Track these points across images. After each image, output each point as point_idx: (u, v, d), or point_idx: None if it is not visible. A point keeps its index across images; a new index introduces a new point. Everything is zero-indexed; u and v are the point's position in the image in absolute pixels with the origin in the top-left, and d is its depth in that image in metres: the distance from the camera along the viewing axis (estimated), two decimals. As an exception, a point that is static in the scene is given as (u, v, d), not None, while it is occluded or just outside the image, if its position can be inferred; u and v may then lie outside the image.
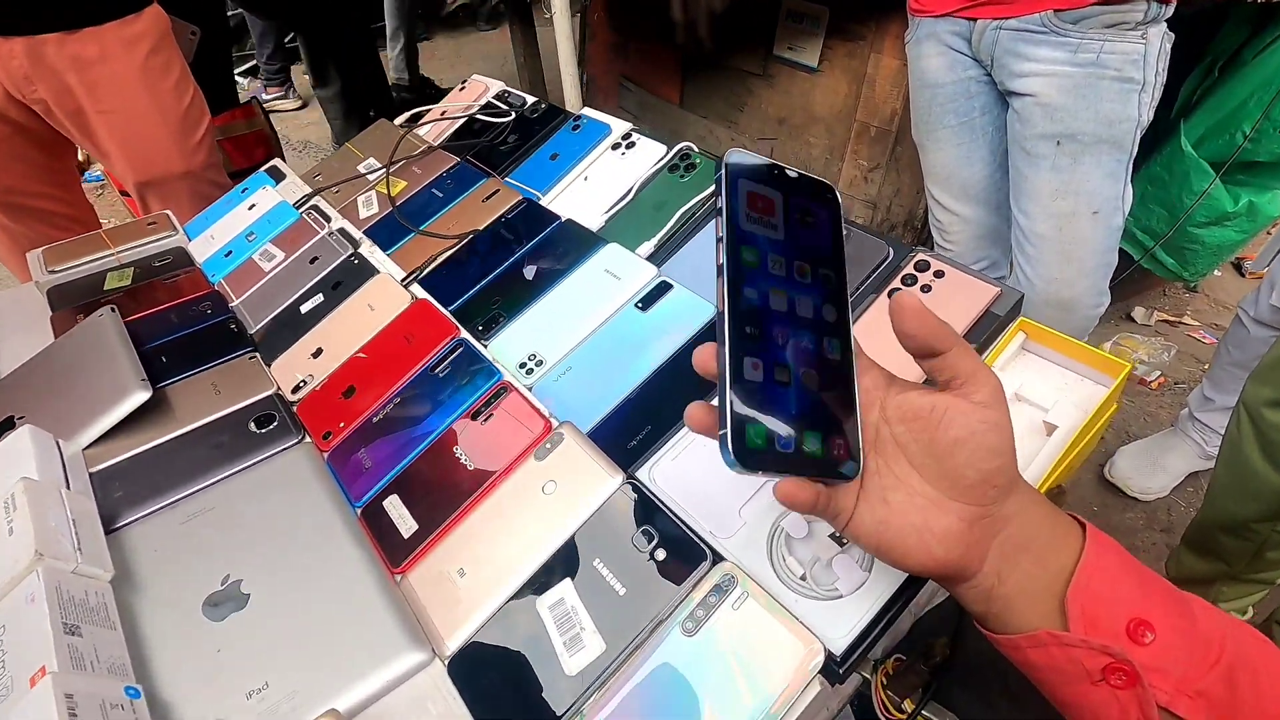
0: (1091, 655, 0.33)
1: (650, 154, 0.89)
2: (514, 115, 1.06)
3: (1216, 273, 2.31)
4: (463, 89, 1.19)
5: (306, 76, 3.50)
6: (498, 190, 0.90)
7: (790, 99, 1.72)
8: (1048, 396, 0.60)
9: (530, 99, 1.10)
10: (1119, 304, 2.25)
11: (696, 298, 0.68)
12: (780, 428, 0.33)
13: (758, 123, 1.84)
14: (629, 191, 0.86)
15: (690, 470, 0.53)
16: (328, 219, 0.94)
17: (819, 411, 0.35)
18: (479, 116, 1.09)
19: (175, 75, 1.09)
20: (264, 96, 3.22)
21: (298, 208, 0.97)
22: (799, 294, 0.36)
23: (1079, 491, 1.59)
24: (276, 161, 1.09)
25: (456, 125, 1.10)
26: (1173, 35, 1.02)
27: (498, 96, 1.13)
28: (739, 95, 1.84)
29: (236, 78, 3.58)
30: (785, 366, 0.34)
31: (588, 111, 1.00)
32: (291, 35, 3.63)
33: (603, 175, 0.90)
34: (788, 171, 0.38)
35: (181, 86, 1.10)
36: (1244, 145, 1.72)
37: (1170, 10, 0.99)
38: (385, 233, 0.91)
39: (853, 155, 1.65)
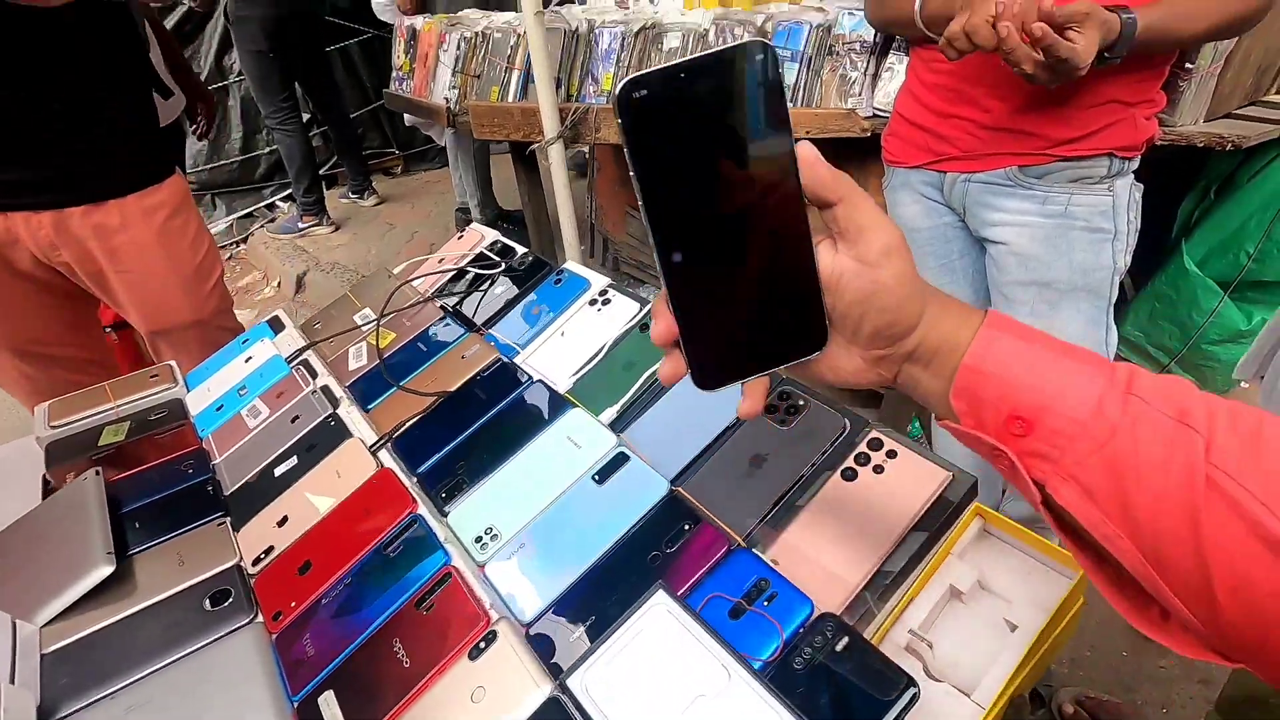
0: (977, 442, 0.36)
1: (624, 311, 0.92)
2: (502, 267, 1.12)
3: (1244, 385, 2.25)
4: (461, 237, 1.26)
5: (344, 200, 3.77)
6: (477, 347, 0.93)
7: (784, 229, 1.78)
8: (1010, 588, 0.58)
9: (520, 250, 1.16)
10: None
11: (651, 472, 0.69)
12: (739, 347, 0.36)
13: (755, 250, 1.89)
14: (600, 350, 0.88)
15: (624, 676, 0.52)
16: (315, 375, 0.97)
17: (777, 309, 0.36)
18: (470, 268, 1.14)
19: (191, 233, 1.17)
20: (300, 225, 3.43)
21: (290, 362, 1.01)
22: (738, 200, 0.34)
23: (1110, 632, 1.49)
24: (279, 312, 1.15)
25: (454, 268, 1.16)
26: (1141, 185, 1.04)
27: (490, 246, 1.19)
28: (736, 225, 1.91)
29: (277, 202, 3.86)
30: (735, 283, 0.35)
31: (570, 266, 1.04)
32: (327, 164, 3.94)
33: (579, 330, 0.93)
34: (693, 66, 0.32)
35: (197, 242, 1.18)
36: (1249, 265, 1.72)
37: (1135, 164, 1.02)
38: (369, 386, 0.94)
39: (847, 283, 1.68)
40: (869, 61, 1.32)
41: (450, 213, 3.39)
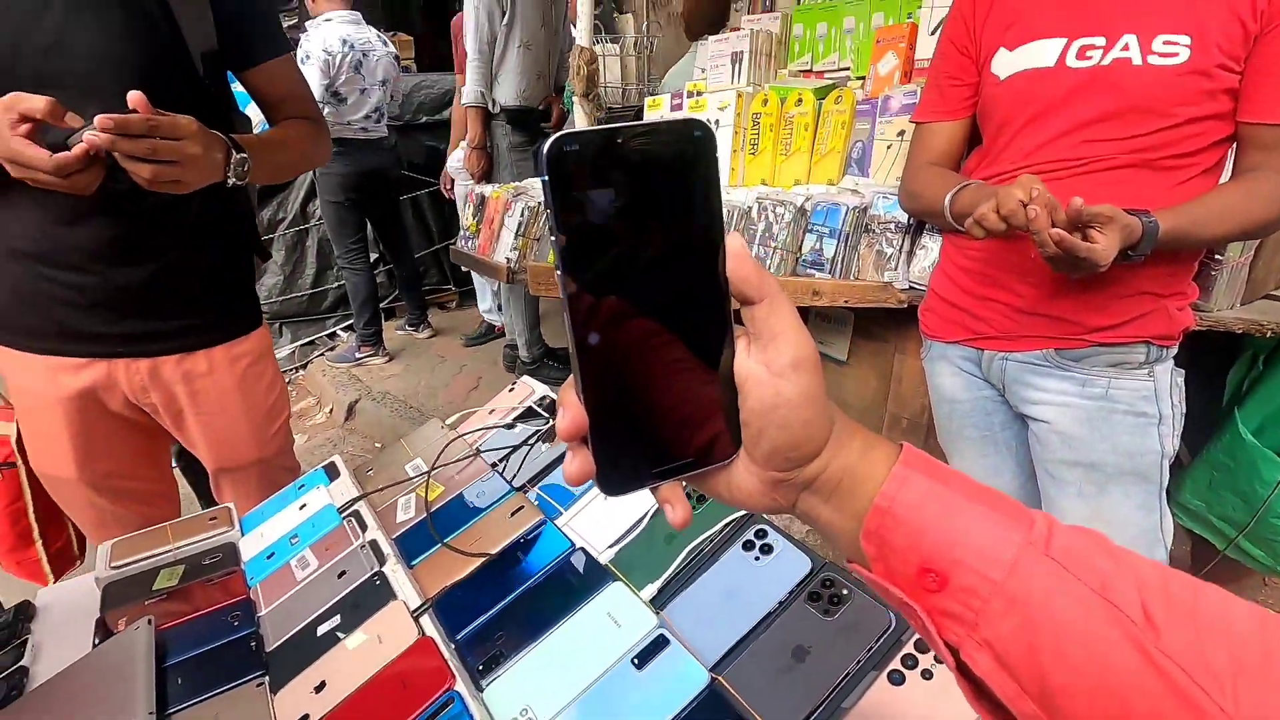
0: (886, 594, 0.34)
1: (666, 480, 0.94)
2: (548, 424, 1.16)
3: (1321, 562, 2.11)
4: (512, 390, 1.32)
5: (400, 333, 3.99)
6: (522, 507, 0.96)
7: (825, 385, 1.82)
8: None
9: (568, 407, 1.20)
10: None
11: (692, 660, 0.68)
12: (650, 448, 0.33)
13: (794, 404, 1.93)
14: (643, 518, 0.89)
15: None
16: (364, 527, 1.00)
17: (693, 409, 0.34)
18: (519, 422, 1.19)
19: (268, 378, 1.26)
20: (358, 355, 3.63)
21: (342, 512, 1.04)
22: (660, 283, 0.32)
23: None
24: (336, 459, 1.20)
25: (501, 427, 1.21)
26: (1183, 370, 1.05)
27: (540, 401, 1.24)
28: (776, 378, 1.96)
29: (339, 331, 4.10)
30: (650, 374, 0.32)
31: (616, 427, 1.08)
32: (388, 298, 4.21)
33: (615, 501, 0.95)
34: (628, 132, 0.30)
35: (271, 387, 1.27)
36: (1309, 437, 1.67)
37: (1174, 351, 1.04)
38: (416, 541, 0.96)
39: (887, 443, 1.68)
40: (904, 239, 1.41)
41: (499, 349, 3.55)
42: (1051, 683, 0.30)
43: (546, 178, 0.29)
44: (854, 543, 0.35)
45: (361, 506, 1.07)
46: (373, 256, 3.87)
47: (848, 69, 1.77)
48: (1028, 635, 0.30)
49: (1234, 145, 0.96)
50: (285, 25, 3.20)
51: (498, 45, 2.62)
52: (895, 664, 0.63)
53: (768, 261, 1.51)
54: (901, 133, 1.49)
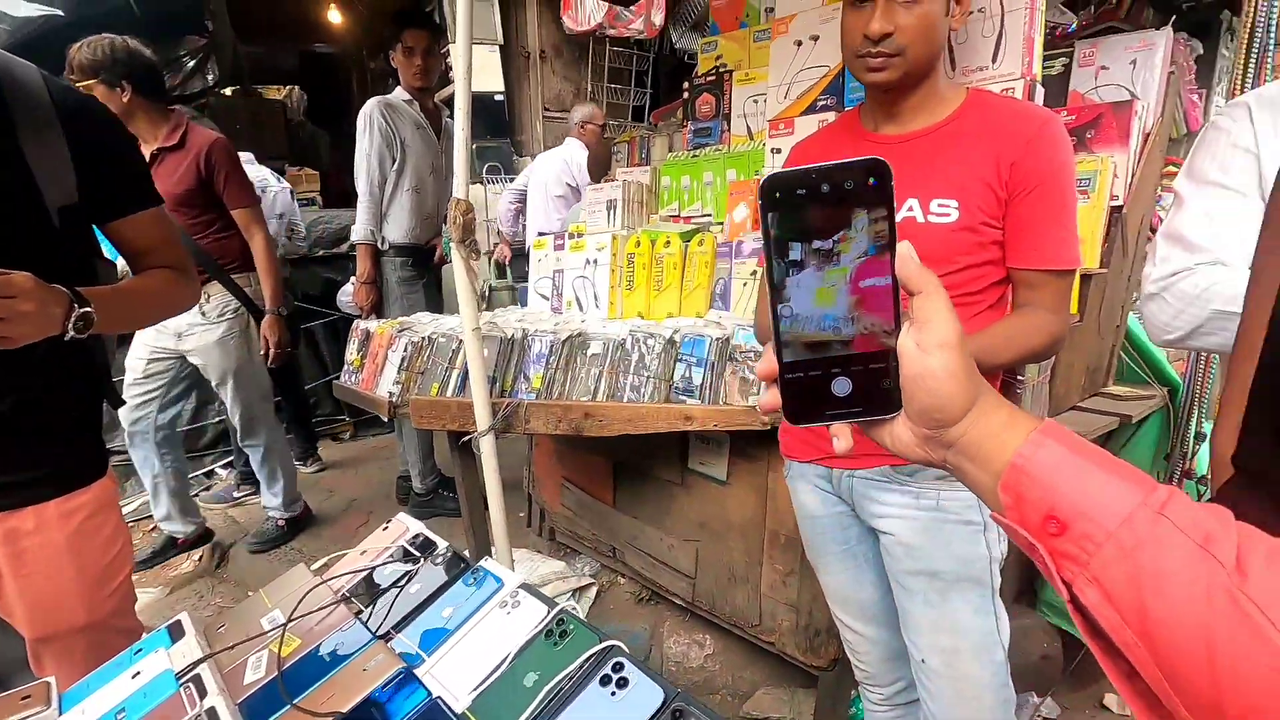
0: (1015, 534, 0.41)
1: (531, 616, 0.94)
2: (420, 564, 1.14)
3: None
4: (386, 529, 1.29)
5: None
6: (381, 657, 0.92)
7: (707, 506, 1.88)
8: None
9: (441, 544, 1.19)
10: (1089, 691, 2.15)
11: (538, 811, 0.66)
12: (825, 397, 0.45)
13: (682, 525, 1.97)
14: (504, 660, 0.88)
15: None
16: (204, 693, 0.93)
17: (863, 371, 0.44)
18: (389, 563, 1.16)
19: (107, 532, 1.16)
20: (235, 495, 3.40)
21: (180, 678, 0.96)
22: (842, 276, 0.43)
23: None
24: (182, 617, 1.12)
25: (371, 566, 1.17)
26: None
27: (413, 539, 1.22)
28: (664, 500, 2.00)
29: (217, 469, 3.84)
30: (832, 345, 0.44)
31: (486, 563, 1.08)
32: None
33: (487, 636, 0.94)
34: (821, 177, 0.42)
35: (110, 542, 1.17)
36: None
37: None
38: (264, 703, 0.90)
39: (769, 559, 1.73)
40: (763, 366, 1.53)
41: (393, 479, 3.42)
42: (1150, 616, 0.35)
43: (760, 202, 0.43)
44: (993, 493, 0.43)
45: (204, 669, 0.99)
46: (260, 389, 3.73)
47: (710, 215, 1.98)
48: (1133, 575, 0.36)
49: (1009, 286, 1.15)
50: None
51: (388, 187, 2.75)
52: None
53: (642, 389, 1.60)
54: (754, 272, 1.67)
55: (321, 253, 4.28)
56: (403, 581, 1.12)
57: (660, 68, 5.30)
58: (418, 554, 1.18)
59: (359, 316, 2.77)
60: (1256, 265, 0.66)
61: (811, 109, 1.71)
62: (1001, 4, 1.39)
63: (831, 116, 1.66)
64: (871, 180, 0.42)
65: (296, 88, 7.18)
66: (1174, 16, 2.39)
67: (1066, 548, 0.39)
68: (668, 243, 1.84)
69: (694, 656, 2.10)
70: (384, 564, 1.17)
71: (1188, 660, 0.34)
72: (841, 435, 0.48)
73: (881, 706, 1.35)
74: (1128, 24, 2.77)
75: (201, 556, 3.09)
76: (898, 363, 0.44)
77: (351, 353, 1.94)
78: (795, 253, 0.43)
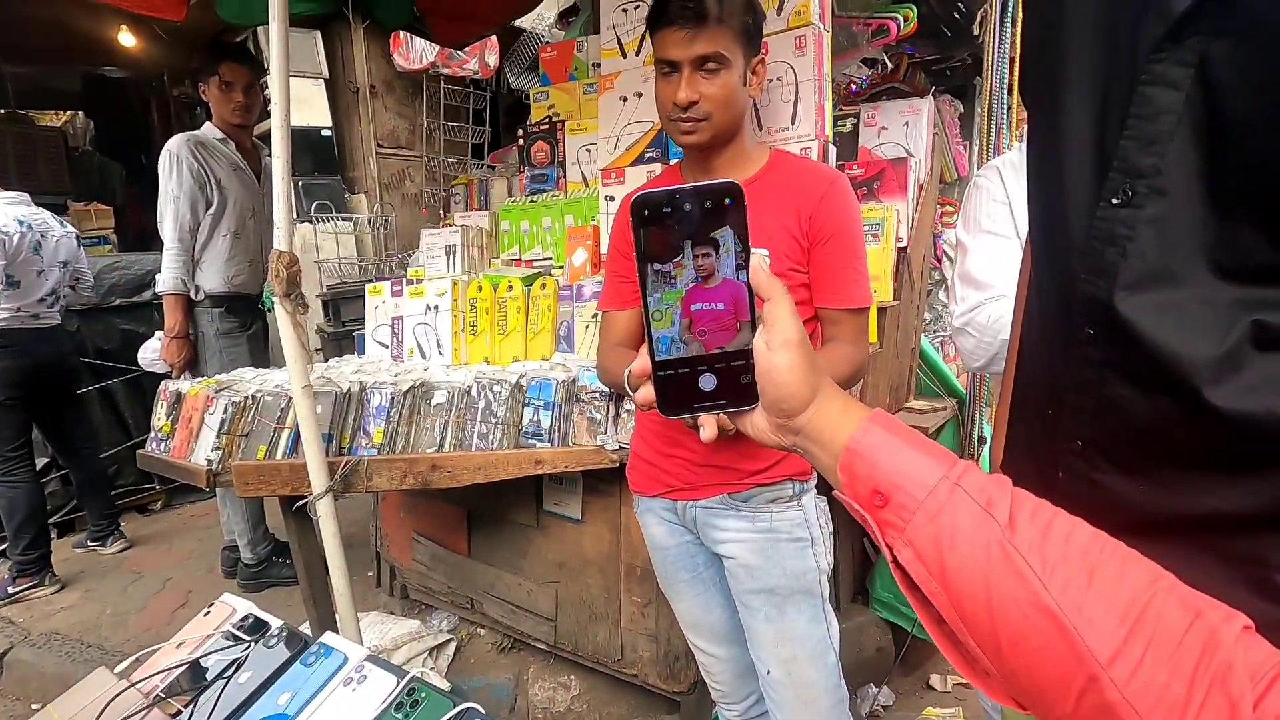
0: (850, 508, 0.48)
1: (378, 690, 0.90)
2: (250, 648, 1.05)
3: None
4: (208, 613, 1.17)
5: (78, 550, 3.24)
6: (205, 762, 0.84)
7: (565, 546, 1.89)
8: None
9: (275, 624, 1.10)
10: (917, 675, 2.39)
11: None
12: (695, 391, 0.51)
13: (540, 567, 1.96)
14: (348, 742, 0.84)
15: None
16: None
17: (725, 369, 0.50)
18: (212, 652, 1.05)
19: None
20: (10, 590, 2.87)
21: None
22: (702, 289, 0.49)
23: None
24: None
25: (193, 658, 1.06)
26: (824, 496, 1.31)
27: (241, 622, 1.12)
28: (520, 544, 1.98)
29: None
30: (697, 346, 0.50)
31: (328, 638, 1.01)
32: (62, 510, 3.46)
33: (330, 718, 0.88)
34: (684, 197, 0.48)
35: None
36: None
37: (814, 482, 1.29)
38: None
39: (627, 593, 1.78)
40: (609, 405, 1.59)
41: (216, 551, 3.07)
42: (948, 567, 0.43)
43: (631, 219, 0.49)
44: (833, 472, 0.49)
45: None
46: (41, 462, 3.20)
47: (550, 259, 2.03)
48: (935, 535, 0.43)
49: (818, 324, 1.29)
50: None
51: (201, 233, 2.51)
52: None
53: (490, 436, 1.59)
54: (595, 315, 1.73)
55: (119, 301, 3.80)
56: (230, 671, 1.02)
57: (500, 105, 5.32)
58: (247, 638, 1.09)
59: (167, 376, 2.49)
60: (1017, 298, 0.79)
61: (640, 160, 1.82)
62: (795, 75, 1.57)
63: (658, 168, 1.77)
64: (728, 200, 0.48)
65: (80, 114, 6.36)
66: (934, 86, 2.82)
67: (889, 517, 0.45)
68: (510, 286, 1.85)
69: (560, 700, 2.08)
70: (206, 654, 1.07)
71: (972, 600, 0.42)
72: (707, 425, 0.55)
73: (738, 721, 1.43)
74: (905, 84, 3.23)
75: (-34, 669, 2.58)
76: (753, 360, 0.50)
77: (160, 418, 1.74)
78: (662, 264, 0.49)
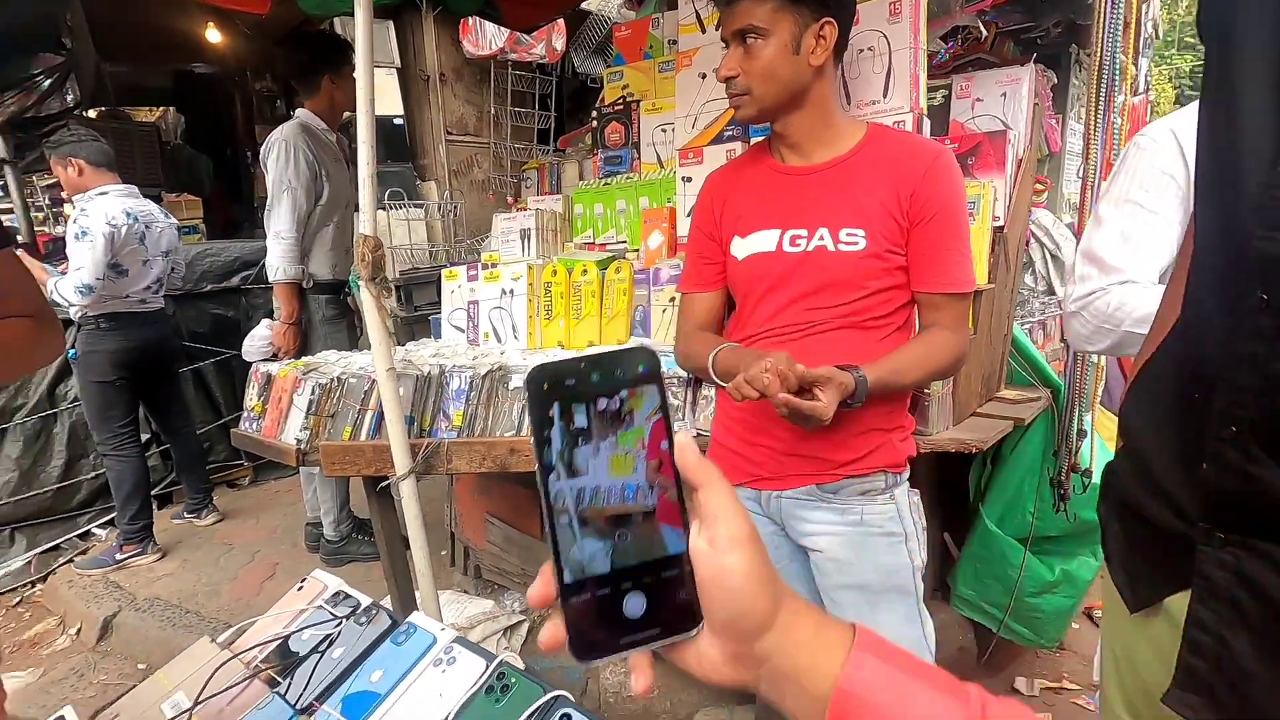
0: None
1: (469, 672, 0.90)
2: (342, 625, 1.07)
3: (1075, 625, 2.46)
4: (301, 588, 1.21)
5: (176, 522, 3.47)
6: (305, 735, 0.85)
7: (638, 532, 1.87)
8: None
9: (364, 601, 1.12)
10: (1001, 678, 2.29)
11: None
12: (617, 621, 0.37)
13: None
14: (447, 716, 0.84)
15: None
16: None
17: (654, 585, 0.37)
18: (307, 627, 1.08)
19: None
20: (119, 556, 3.08)
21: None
22: (620, 476, 0.37)
23: None
24: (66, 711, 1.00)
25: (287, 632, 1.09)
26: (917, 491, 1.24)
27: (332, 598, 1.14)
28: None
29: (94, 530, 3.47)
30: (615, 555, 0.37)
31: (416, 618, 1.02)
32: (162, 483, 3.69)
33: (421, 698, 0.89)
34: (591, 367, 0.38)
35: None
36: (1034, 523, 1.99)
37: (906, 475, 1.23)
38: (169, 803, 0.81)
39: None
40: (686, 391, 1.55)
41: (300, 526, 3.21)
42: None
43: (527, 396, 0.37)
44: (822, 718, 0.38)
45: (97, 772, 0.89)
46: (144, 437, 3.41)
47: (625, 242, 2.00)
48: None
49: (915, 308, 1.22)
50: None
51: (312, 222, 2.63)
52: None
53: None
54: (672, 298, 1.69)
55: (210, 287, 3.99)
56: (323, 646, 1.04)
57: (564, 89, 5.32)
58: (338, 614, 1.11)
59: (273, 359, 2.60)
60: (1173, 278, 0.70)
61: (719, 139, 1.76)
62: (889, 43, 1.48)
63: (738, 146, 1.71)
64: (641, 368, 0.38)
65: (172, 109, 6.71)
66: (1034, 53, 2.63)
67: None
68: (585, 271, 1.83)
69: (630, 686, 2.08)
70: (301, 629, 1.09)
71: None
72: (638, 671, 0.39)
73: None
74: (992, 55, 3.04)
75: (80, 629, 2.79)
76: (692, 568, 0.38)
77: (251, 398, 1.81)
78: (568, 449, 0.37)
